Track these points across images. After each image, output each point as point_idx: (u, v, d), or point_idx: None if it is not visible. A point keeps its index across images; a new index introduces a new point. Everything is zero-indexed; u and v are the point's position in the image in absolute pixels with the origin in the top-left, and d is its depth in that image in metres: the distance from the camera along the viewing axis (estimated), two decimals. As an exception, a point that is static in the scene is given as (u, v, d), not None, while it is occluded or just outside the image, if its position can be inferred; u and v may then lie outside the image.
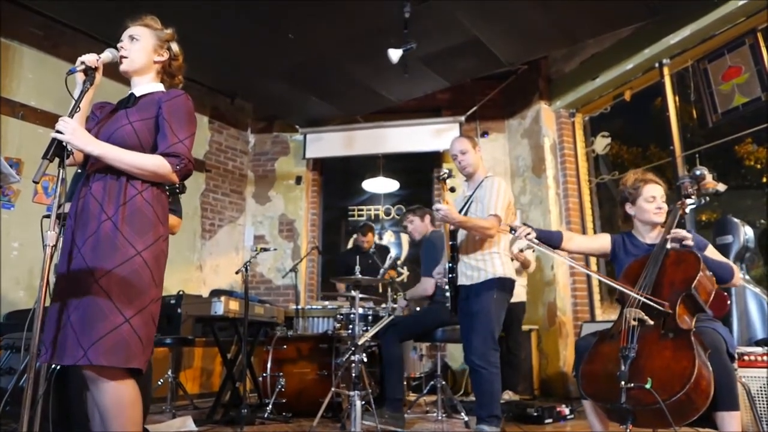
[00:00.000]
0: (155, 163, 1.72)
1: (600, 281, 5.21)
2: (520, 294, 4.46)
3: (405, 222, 4.32)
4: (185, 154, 1.76)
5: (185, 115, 1.81)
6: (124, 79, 1.91)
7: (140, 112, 1.80)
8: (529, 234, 2.43)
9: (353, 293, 3.42)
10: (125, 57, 1.85)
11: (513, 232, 2.48)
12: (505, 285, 3.02)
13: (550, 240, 2.53)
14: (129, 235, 1.67)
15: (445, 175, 3.05)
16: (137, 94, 1.87)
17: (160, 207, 1.78)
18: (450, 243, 3.14)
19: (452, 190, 3.11)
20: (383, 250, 5.52)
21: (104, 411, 1.61)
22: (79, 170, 2.04)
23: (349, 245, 6.68)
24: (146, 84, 1.90)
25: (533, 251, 4.50)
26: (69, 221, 1.73)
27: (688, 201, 2.41)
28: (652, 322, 2.03)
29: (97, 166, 1.75)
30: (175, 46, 1.96)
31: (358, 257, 3.98)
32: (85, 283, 1.61)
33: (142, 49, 1.87)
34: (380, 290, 5.09)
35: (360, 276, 3.43)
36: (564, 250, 2.59)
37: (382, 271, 3.86)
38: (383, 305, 4.03)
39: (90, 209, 1.69)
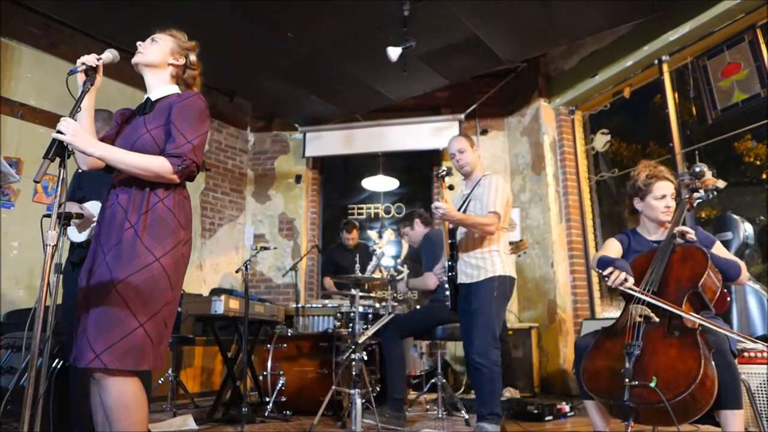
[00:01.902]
0: (157, 164, 1.72)
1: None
2: None
3: (402, 237, 4.37)
4: (188, 155, 1.75)
5: (194, 117, 1.81)
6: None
7: (156, 119, 1.81)
8: (625, 281, 2.10)
9: (353, 291, 3.42)
10: (140, 53, 1.88)
11: (606, 279, 2.15)
12: (505, 283, 3.02)
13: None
14: (149, 243, 1.69)
15: (444, 172, 3.05)
16: (153, 98, 1.88)
17: (182, 213, 1.81)
18: (449, 241, 3.14)
19: (451, 187, 3.11)
20: (366, 250, 5.51)
21: (110, 411, 1.64)
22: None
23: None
24: (162, 87, 1.91)
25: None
26: (96, 228, 1.77)
27: (696, 195, 2.40)
28: (657, 320, 2.01)
29: (123, 176, 1.77)
30: (193, 56, 1.98)
31: (357, 255, 3.96)
32: (104, 289, 1.64)
33: (159, 50, 1.90)
34: (366, 287, 5.09)
35: (348, 275, 3.43)
36: None
37: (369, 268, 3.84)
38: (383, 303, 4.03)
39: (116, 218, 1.73)
